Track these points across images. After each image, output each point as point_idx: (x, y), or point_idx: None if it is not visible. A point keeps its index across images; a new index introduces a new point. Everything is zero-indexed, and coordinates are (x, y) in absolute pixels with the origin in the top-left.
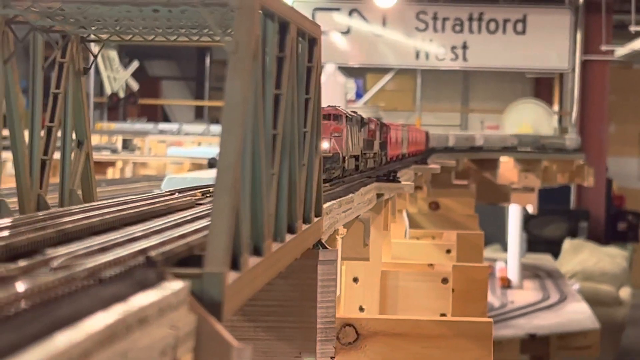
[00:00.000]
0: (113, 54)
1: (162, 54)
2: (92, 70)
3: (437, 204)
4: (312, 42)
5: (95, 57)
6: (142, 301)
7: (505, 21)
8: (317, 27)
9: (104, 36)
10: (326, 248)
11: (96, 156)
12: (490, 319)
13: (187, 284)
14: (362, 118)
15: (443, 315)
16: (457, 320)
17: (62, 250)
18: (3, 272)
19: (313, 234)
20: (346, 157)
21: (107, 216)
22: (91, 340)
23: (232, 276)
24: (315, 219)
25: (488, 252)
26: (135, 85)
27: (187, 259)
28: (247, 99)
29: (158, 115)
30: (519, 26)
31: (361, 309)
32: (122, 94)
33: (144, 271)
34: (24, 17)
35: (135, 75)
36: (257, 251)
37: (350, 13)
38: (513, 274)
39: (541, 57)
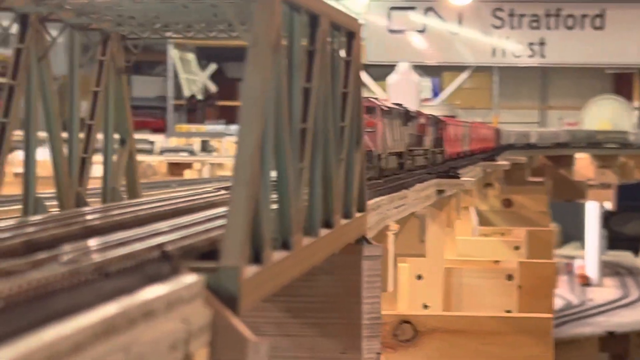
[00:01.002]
0: (191, 57)
1: (239, 56)
2: (170, 74)
3: (509, 201)
4: (350, 36)
5: (136, 55)
6: (148, 294)
7: (583, 16)
8: (354, 20)
9: (144, 34)
10: (370, 244)
11: (173, 158)
12: (550, 315)
13: (201, 278)
14: (407, 111)
15: (508, 312)
16: (516, 316)
17: (79, 245)
18: (8, 265)
19: (355, 229)
20: (383, 155)
21: (140, 213)
22: (84, 333)
23: (252, 270)
24: (358, 215)
25: (568, 250)
26: (213, 87)
27: (209, 253)
28: (265, 93)
29: (236, 116)
30: (597, 21)
31: (425, 307)
32: (200, 96)
33: (155, 265)
34: (58, 15)
35: (213, 77)
36: (285, 245)
37: (426, 12)
38: (592, 271)
39: (620, 53)
